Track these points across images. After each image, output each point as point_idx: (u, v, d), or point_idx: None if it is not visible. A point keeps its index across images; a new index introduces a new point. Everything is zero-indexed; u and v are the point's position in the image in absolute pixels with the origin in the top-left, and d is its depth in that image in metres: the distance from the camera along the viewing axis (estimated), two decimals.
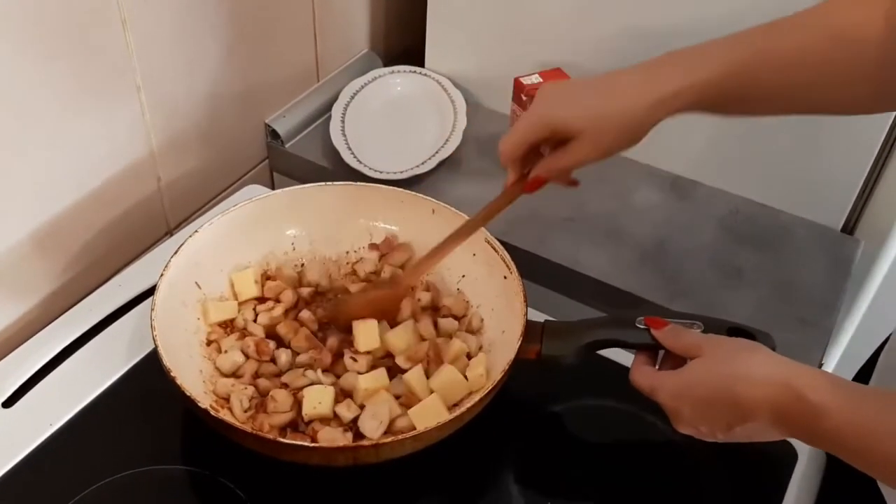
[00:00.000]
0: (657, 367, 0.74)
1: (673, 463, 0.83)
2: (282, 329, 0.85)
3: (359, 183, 0.98)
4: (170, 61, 0.99)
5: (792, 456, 0.82)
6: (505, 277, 0.86)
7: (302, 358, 0.83)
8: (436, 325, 0.87)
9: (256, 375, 0.83)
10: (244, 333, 0.86)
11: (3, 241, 0.88)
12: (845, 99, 0.71)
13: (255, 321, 0.87)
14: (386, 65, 1.33)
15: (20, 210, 0.89)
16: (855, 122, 1.03)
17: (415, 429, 0.75)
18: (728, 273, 1.08)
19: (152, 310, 0.78)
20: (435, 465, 0.77)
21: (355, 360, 0.82)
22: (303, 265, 0.94)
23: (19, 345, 0.88)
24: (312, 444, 0.75)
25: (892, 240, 1.13)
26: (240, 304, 0.88)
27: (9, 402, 0.82)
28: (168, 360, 0.74)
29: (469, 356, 0.84)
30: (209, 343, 0.85)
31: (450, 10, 1.25)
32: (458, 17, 1.25)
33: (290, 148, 1.22)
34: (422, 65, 1.32)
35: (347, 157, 1.16)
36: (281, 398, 0.79)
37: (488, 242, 0.88)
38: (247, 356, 0.83)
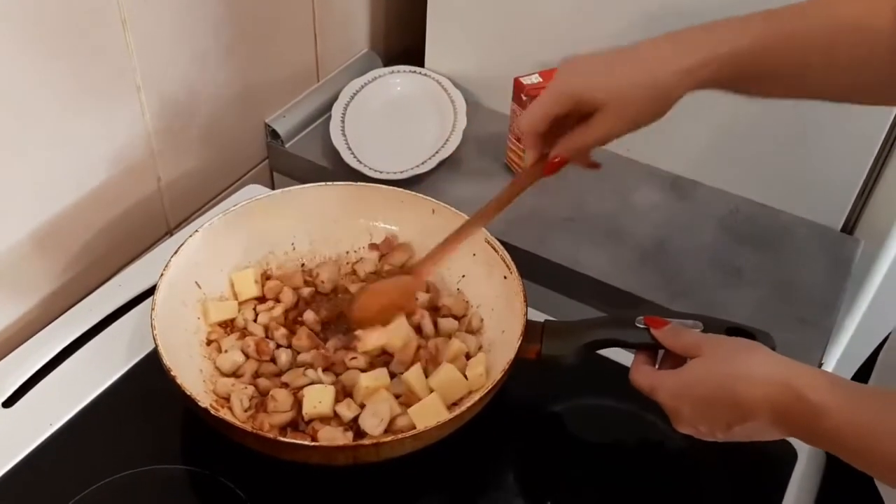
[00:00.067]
0: (657, 366, 0.73)
1: (673, 463, 0.83)
2: (278, 335, 0.85)
3: (359, 183, 0.98)
4: (170, 61, 0.99)
5: (791, 456, 0.82)
6: (505, 277, 0.86)
7: (303, 357, 0.84)
8: (435, 324, 0.87)
9: (256, 375, 0.83)
10: (244, 333, 0.86)
11: (3, 241, 0.88)
12: (857, 85, 0.70)
13: (255, 321, 0.87)
14: (386, 65, 1.33)
15: (20, 210, 0.89)
16: (855, 122, 1.03)
17: (415, 428, 0.75)
18: (728, 273, 1.08)
19: (152, 309, 0.79)
20: (435, 464, 0.77)
21: (356, 358, 0.82)
22: (303, 264, 0.94)
23: (19, 345, 0.88)
24: (312, 444, 0.75)
25: (891, 240, 1.13)
26: (240, 303, 0.89)
27: (9, 402, 0.82)
28: (168, 359, 0.74)
29: (468, 356, 0.84)
30: (209, 343, 0.85)
31: (450, 10, 1.25)
32: (458, 17, 1.25)
33: (290, 148, 1.22)
34: (422, 65, 1.32)
35: (347, 157, 1.16)
36: (281, 398, 0.79)
37: (488, 242, 0.88)
38: (247, 356, 0.83)
